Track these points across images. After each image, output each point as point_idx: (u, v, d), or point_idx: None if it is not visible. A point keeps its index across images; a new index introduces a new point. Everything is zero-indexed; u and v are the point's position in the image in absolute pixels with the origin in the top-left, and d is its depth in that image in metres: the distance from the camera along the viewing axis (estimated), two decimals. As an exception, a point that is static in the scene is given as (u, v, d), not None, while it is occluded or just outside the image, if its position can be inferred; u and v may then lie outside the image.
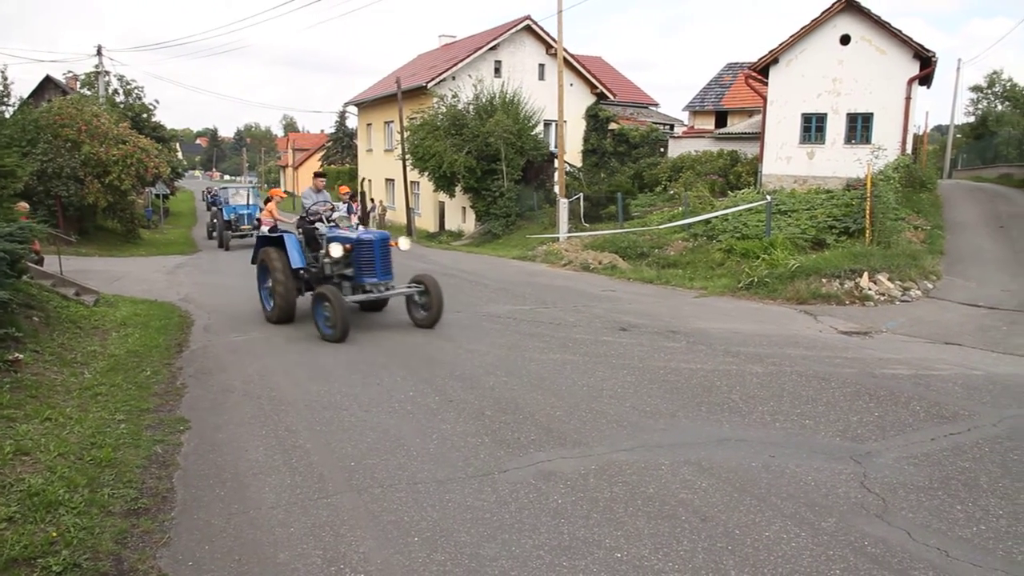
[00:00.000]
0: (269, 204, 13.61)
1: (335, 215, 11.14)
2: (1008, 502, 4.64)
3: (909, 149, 21.95)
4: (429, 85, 31.65)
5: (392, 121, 35.83)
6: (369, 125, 43.02)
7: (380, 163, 40.96)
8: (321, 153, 70.91)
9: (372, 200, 41.39)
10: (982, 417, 6.31)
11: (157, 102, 40.61)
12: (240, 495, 4.92)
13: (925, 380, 7.47)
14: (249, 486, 5.07)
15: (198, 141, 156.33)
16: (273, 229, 12.09)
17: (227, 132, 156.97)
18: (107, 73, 36.61)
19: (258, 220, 27.38)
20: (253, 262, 11.75)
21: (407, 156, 30.28)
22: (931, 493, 4.78)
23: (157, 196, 38.74)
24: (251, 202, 29.64)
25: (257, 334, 10.37)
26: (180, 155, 63.19)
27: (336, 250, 10.28)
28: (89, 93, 35.33)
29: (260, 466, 5.42)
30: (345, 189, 13.38)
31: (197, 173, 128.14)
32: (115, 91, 38.39)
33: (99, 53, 35.56)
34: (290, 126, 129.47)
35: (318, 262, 10.92)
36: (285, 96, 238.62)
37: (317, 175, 12.16)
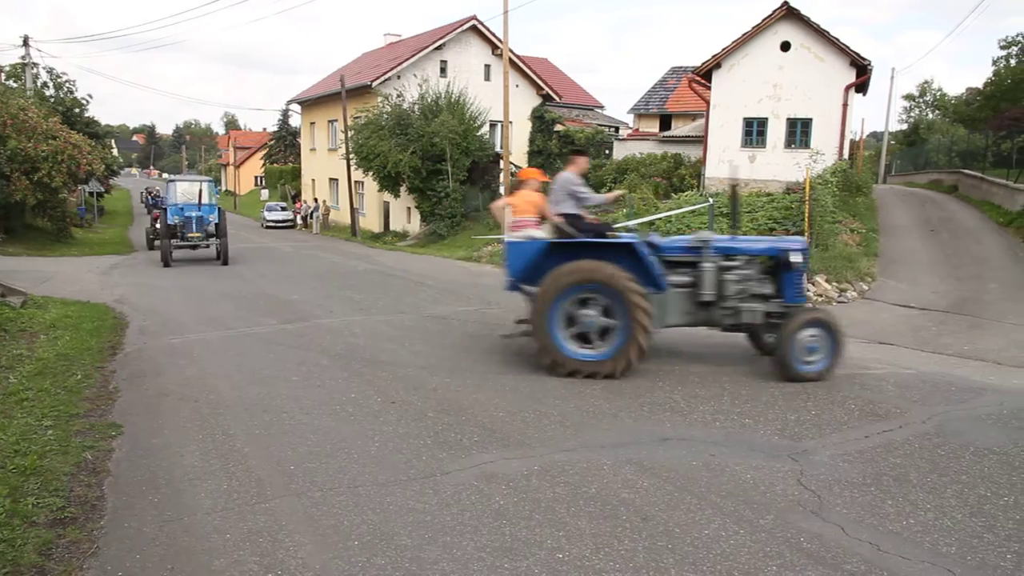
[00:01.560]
0: (524, 193, 8.59)
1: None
2: (935, 496, 4.80)
3: (846, 154, 22.65)
4: (374, 84, 31.39)
5: (336, 120, 35.42)
6: (313, 124, 42.43)
7: (324, 162, 40.43)
8: (264, 152, 69.62)
9: (316, 199, 40.86)
10: (913, 415, 6.52)
11: (90, 96, 39.09)
12: (174, 501, 4.77)
13: (860, 379, 7.69)
14: (184, 492, 4.92)
15: (135, 138, 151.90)
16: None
17: (165, 129, 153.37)
18: (35, 65, 35.17)
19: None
20: (517, 287, 8.22)
21: (351, 155, 29.95)
22: (864, 489, 4.91)
23: (91, 194, 37.51)
24: (206, 201, 21.71)
25: (195, 336, 10.09)
26: (116, 152, 61.29)
27: (798, 257, 7.83)
28: (15, 85, 33.92)
29: (196, 471, 5.26)
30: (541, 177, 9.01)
31: (134, 171, 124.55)
32: (44, 84, 36.96)
33: (26, 43, 34.19)
34: (231, 124, 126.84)
35: None
36: (226, 93, 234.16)
37: (577, 152, 8.71)
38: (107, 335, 10.00)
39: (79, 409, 6.58)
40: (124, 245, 29.28)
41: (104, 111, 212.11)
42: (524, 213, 8.38)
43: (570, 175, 8.42)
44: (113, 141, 60.37)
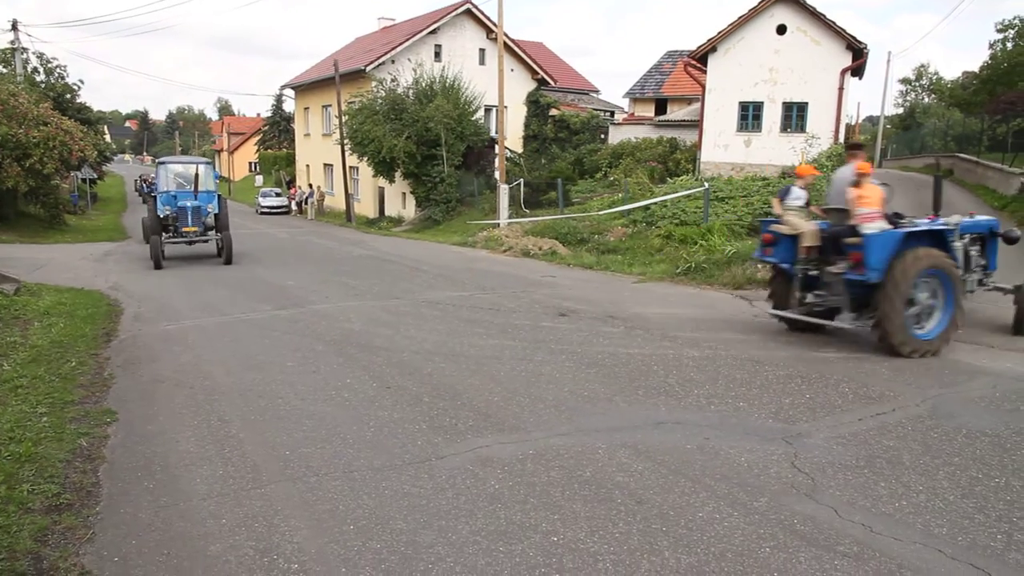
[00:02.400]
0: (870, 186, 8.44)
1: (793, 202, 9.18)
2: (927, 478, 4.82)
3: (842, 138, 22.60)
4: (368, 68, 31.18)
5: (330, 105, 35.20)
6: (307, 109, 42.18)
7: (318, 148, 40.22)
8: (258, 137, 69.26)
9: (310, 185, 40.71)
10: (906, 397, 6.55)
11: (81, 82, 38.58)
12: (170, 487, 4.78)
13: (854, 362, 7.71)
14: (179, 478, 4.93)
15: (128, 124, 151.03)
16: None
17: (158, 115, 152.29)
18: (25, 50, 34.78)
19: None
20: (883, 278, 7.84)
21: (346, 141, 29.83)
22: (857, 471, 4.93)
23: (84, 181, 37.31)
24: (204, 187, 18.12)
25: (190, 323, 10.08)
26: (108, 138, 60.82)
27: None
28: (5, 71, 33.60)
29: (191, 457, 5.27)
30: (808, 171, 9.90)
31: (127, 157, 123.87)
32: (35, 69, 36.58)
33: (15, 28, 33.79)
34: (225, 109, 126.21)
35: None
36: (219, 78, 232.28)
37: (857, 147, 9.51)
38: (101, 322, 9.98)
39: (74, 396, 6.58)
40: (118, 232, 29.16)
41: (96, 97, 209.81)
42: (873, 205, 8.39)
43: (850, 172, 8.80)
44: (106, 127, 59.96)
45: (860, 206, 8.38)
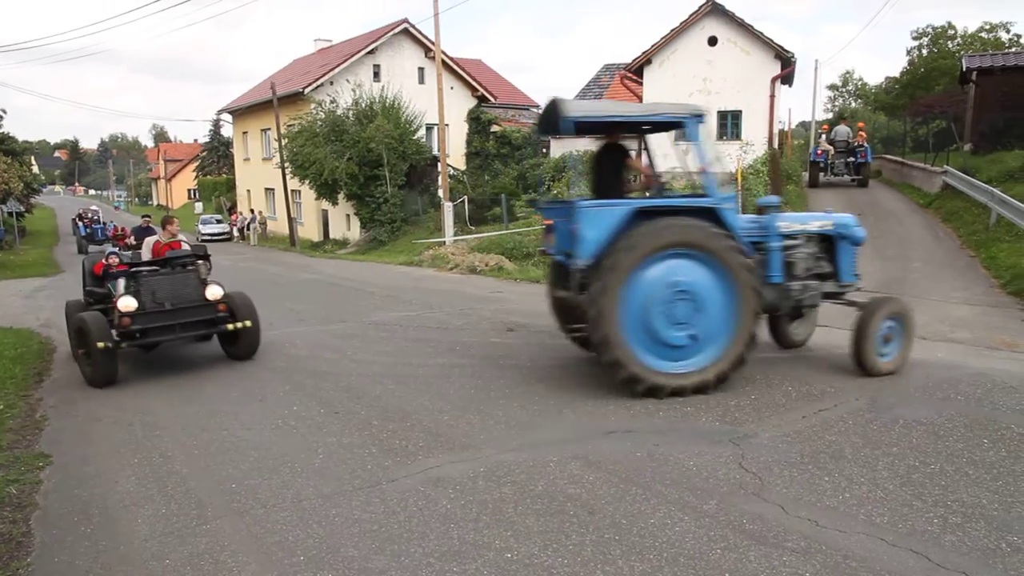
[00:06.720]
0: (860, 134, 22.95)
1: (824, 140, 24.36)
2: (868, 470, 4.95)
3: (776, 144, 23.22)
4: (306, 91, 30.92)
5: (269, 129, 34.78)
6: (245, 133, 41.59)
7: (259, 172, 39.66)
8: (196, 164, 67.94)
9: (252, 210, 40.07)
10: (847, 393, 6.72)
11: (3, 111, 37.50)
12: (109, 530, 4.61)
13: (797, 362, 7.89)
14: (119, 520, 4.75)
15: (57, 154, 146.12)
16: None
17: (90, 143, 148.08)
18: (-56, 82, 33.62)
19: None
20: None
21: (286, 164, 29.48)
22: (802, 468, 5.04)
23: (10, 214, 36.01)
24: None
25: (128, 356, 9.77)
26: (36, 169, 58.91)
27: None
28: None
29: (132, 497, 5.10)
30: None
31: (58, 188, 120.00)
32: (-46, 101, 35.35)
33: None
34: (160, 136, 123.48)
35: None
36: (153, 104, 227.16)
37: (841, 117, 18.30)
38: (33, 361, 9.62)
39: (2, 441, 6.32)
40: (49, 266, 28.13)
41: (21, 126, 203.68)
42: (863, 139, 22.96)
43: None
44: (32, 158, 58.04)
45: (860, 139, 21.85)
